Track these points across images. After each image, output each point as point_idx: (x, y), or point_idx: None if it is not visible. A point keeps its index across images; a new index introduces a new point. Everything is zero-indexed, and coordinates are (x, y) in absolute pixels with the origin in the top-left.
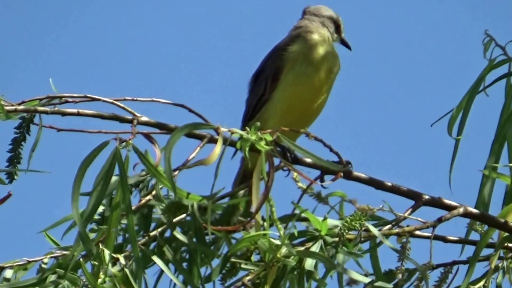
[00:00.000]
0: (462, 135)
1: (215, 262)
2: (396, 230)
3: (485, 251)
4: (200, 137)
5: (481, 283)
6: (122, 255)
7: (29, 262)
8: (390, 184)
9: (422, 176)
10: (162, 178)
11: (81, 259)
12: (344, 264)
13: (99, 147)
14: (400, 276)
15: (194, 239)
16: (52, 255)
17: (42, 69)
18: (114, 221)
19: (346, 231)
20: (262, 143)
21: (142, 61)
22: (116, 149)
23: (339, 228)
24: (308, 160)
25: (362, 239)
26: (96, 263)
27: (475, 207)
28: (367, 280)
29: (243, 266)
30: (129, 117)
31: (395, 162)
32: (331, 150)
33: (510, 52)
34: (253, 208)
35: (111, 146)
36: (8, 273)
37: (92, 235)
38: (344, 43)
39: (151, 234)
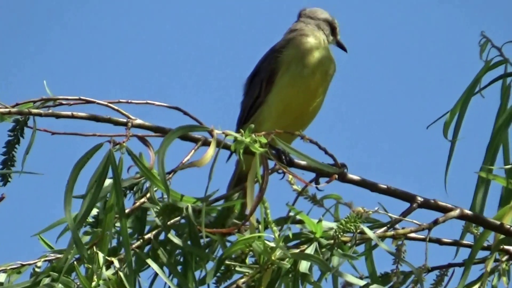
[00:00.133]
0: (457, 137)
1: (210, 265)
2: (391, 232)
3: (481, 254)
4: (195, 140)
5: (477, 286)
6: (116, 258)
7: (22, 265)
8: (385, 186)
9: (417, 178)
10: (156, 181)
11: (75, 262)
12: (339, 266)
13: (92, 149)
14: (395, 278)
15: (189, 242)
16: (46, 258)
17: (36, 72)
18: (107, 224)
19: (341, 233)
20: (257, 145)
21: (137, 63)
22: (109, 151)
23: (334, 230)
24: (303, 162)
25: (357, 241)
26: (90, 266)
27: (471, 209)
28: (362, 283)
29: (237, 268)
30: (124, 119)
31: (390, 164)
32: (326, 152)
33: (506, 53)
34: (247, 211)
35: (105, 148)
36: (2, 277)
37: (86, 238)
38: (340, 45)
39: (146, 237)
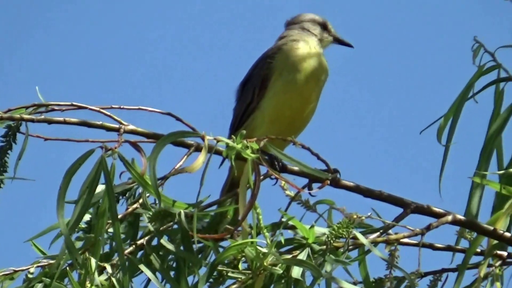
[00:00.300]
0: (451, 142)
1: (203, 271)
2: (385, 238)
3: (474, 259)
4: (188, 146)
5: None
6: (109, 263)
7: (15, 271)
8: (378, 191)
9: (411, 183)
10: (148, 187)
11: (67, 268)
12: (332, 272)
13: (84, 155)
14: (388, 284)
15: (182, 247)
16: (38, 264)
17: (28, 77)
18: (100, 229)
19: (334, 239)
20: (248, 151)
21: (129, 69)
22: (101, 157)
23: (326, 236)
24: (296, 168)
25: (351, 247)
26: (83, 271)
27: (465, 214)
28: None
29: (230, 274)
30: (116, 125)
31: (383, 170)
32: (318, 158)
33: (499, 58)
34: (240, 216)
35: (97, 154)
36: None
37: (79, 244)
38: (341, 42)
39: (138, 242)
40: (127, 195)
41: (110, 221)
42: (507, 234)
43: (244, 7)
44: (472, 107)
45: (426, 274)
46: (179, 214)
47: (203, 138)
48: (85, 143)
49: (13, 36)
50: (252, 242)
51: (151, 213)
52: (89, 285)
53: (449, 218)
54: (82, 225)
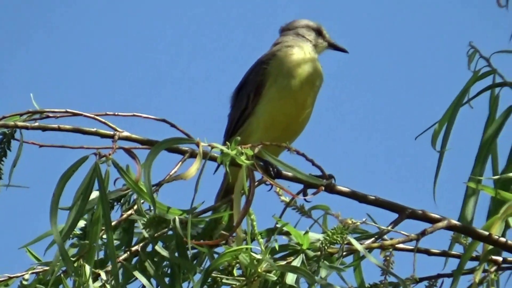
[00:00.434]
0: (446, 147)
1: (197, 277)
2: (379, 243)
3: (470, 264)
4: (182, 152)
5: None
6: (103, 270)
7: (10, 278)
8: (373, 197)
9: (406, 189)
10: (142, 193)
11: (62, 275)
12: (326, 278)
13: (77, 162)
14: None
15: (176, 254)
16: (33, 270)
17: (22, 84)
18: (94, 236)
19: (328, 245)
20: (243, 157)
21: (124, 75)
22: (95, 164)
23: (320, 242)
24: (291, 174)
25: (346, 252)
26: (77, 278)
27: (460, 220)
28: None
29: (224, 281)
30: (111, 132)
31: (378, 175)
32: (313, 164)
33: (494, 63)
34: (234, 223)
35: (92, 161)
36: None
37: (73, 250)
38: (335, 47)
39: (133, 249)
40: (122, 201)
41: (104, 228)
42: (502, 239)
43: (241, 12)
44: (467, 113)
45: (421, 279)
46: (174, 220)
47: (197, 145)
48: (80, 150)
49: (5, 45)
50: (246, 249)
51: (145, 220)
52: None
53: (444, 223)
54: (77, 231)
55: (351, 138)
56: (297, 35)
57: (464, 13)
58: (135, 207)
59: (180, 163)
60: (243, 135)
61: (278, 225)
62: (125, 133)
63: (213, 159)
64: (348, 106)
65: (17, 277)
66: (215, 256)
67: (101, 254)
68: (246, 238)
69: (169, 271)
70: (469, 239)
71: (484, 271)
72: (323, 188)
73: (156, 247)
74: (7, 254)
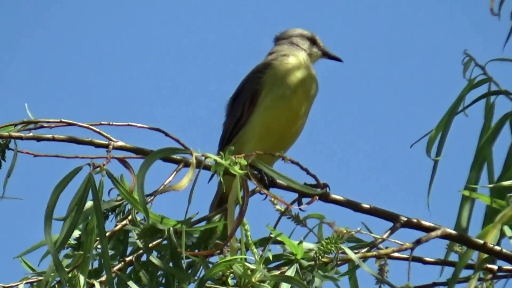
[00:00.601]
0: (441, 155)
1: (192, 287)
2: (374, 252)
3: (465, 272)
4: (177, 161)
5: None
6: (98, 280)
7: (4, 287)
8: (368, 206)
9: (400, 197)
10: (136, 204)
11: (56, 285)
12: (320, 287)
13: (71, 173)
14: None
15: (170, 263)
16: (27, 280)
17: (16, 94)
18: (89, 247)
19: (322, 254)
20: (236, 167)
21: (119, 85)
22: (89, 175)
23: (314, 252)
24: (285, 183)
25: (340, 261)
26: None
27: (455, 228)
28: None
29: None
30: (105, 141)
31: (373, 184)
32: (308, 173)
33: (490, 71)
34: (228, 233)
35: (86, 171)
36: None
37: (68, 261)
38: (330, 56)
39: (127, 259)
40: (116, 211)
41: (99, 238)
42: (497, 248)
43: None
44: (462, 121)
45: None
46: (168, 230)
47: (191, 154)
48: (75, 160)
49: None
50: (240, 259)
51: (140, 230)
52: None
53: (439, 232)
54: (71, 241)
55: (345, 146)
56: (291, 44)
57: (459, 22)
58: (130, 217)
59: (175, 172)
60: (237, 144)
61: (272, 235)
62: (120, 143)
63: (208, 168)
64: (343, 114)
65: (11, 287)
66: (210, 266)
67: (96, 264)
68: (240, 248)
69: (163, 281)
70: (464, 248)
71: (479, 279)
72: (318, 197)
73: (150, 257)
74: (1, 264)
